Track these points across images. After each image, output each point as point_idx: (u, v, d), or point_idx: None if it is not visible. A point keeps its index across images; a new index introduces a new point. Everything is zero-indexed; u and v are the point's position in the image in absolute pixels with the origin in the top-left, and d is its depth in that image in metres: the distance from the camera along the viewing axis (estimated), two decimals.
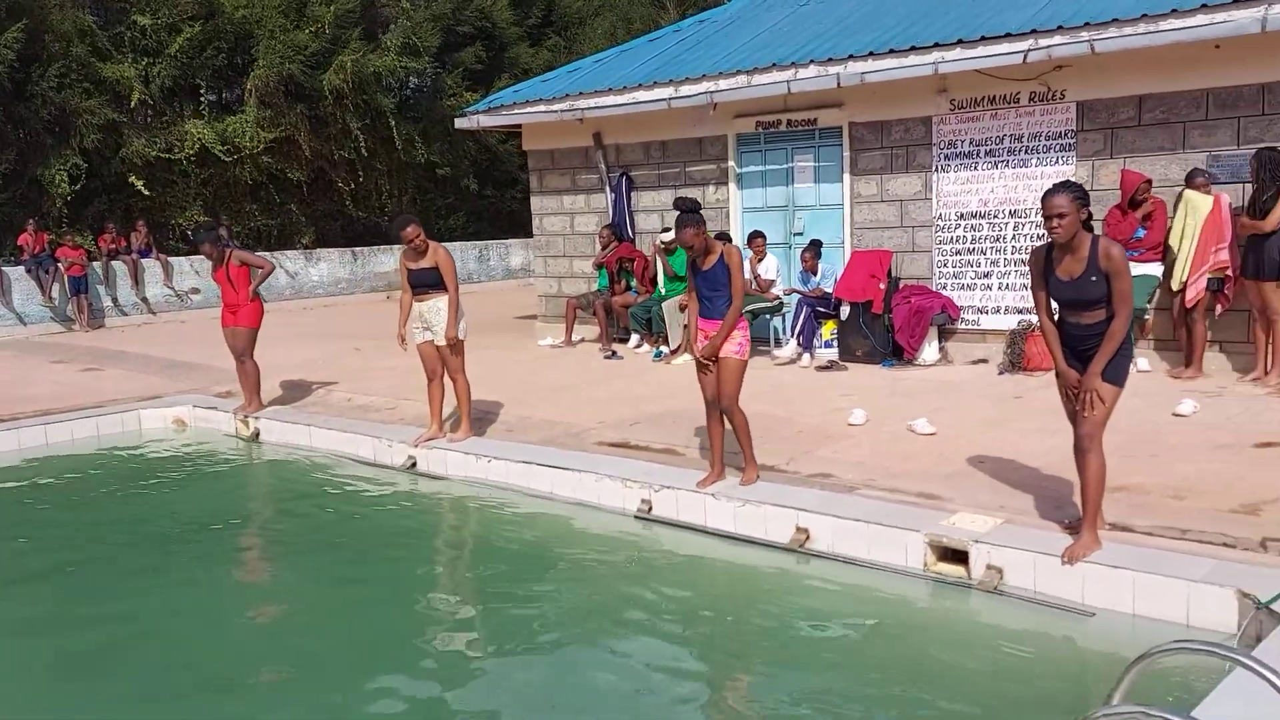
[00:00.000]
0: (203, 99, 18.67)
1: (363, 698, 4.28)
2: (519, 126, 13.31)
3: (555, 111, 12.05)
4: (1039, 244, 4.92)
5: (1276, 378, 7.88)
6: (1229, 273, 8.22)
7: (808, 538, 5.46)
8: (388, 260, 20.59)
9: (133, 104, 17.47)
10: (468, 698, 4.32)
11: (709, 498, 5.90)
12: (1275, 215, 7.70)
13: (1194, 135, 8.57)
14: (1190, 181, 8.28)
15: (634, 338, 11.59)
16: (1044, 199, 4.55)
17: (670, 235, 11.27)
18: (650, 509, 6.17)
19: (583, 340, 12.28)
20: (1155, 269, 8.60)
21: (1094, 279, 4.49)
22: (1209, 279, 8.22)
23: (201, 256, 17.50)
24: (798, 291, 10.35)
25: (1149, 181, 8.56)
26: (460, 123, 13.41)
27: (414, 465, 7.54)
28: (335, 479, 7.64)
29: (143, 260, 16.73)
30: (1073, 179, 8.77)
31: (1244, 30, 7.68)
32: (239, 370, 9.01)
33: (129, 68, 17.39)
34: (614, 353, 11.22)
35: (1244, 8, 7.71)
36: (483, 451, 7.24)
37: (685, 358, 10.53)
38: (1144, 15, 8.18)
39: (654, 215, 12.08)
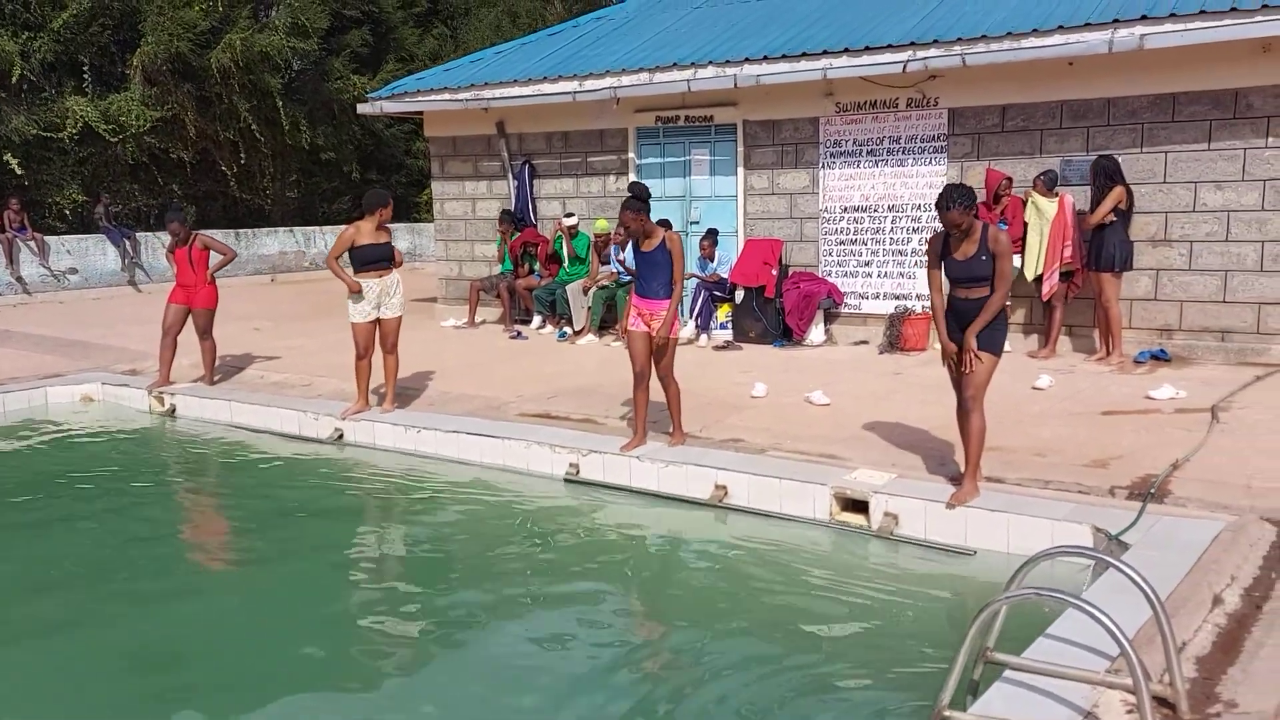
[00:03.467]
0: (86, 76, 18.03)
1: (287, 665, 4.49)
2: (416, 113, 13.56)
3: (460, 100, 12.34)
4: (938, 230, 5.62)
5: (1116, 357, 8.96)
6: (1075, 266, 9.28)
7: (726, 494, 6.08)
8: (271, 243, 20.30)
9: (13, 80, 16.75)
10: (404, 664, 4.57)
11: (634, 460, 6.45)
12: (1100, 211, 8.76)
13: (1050, 142, 9.59)
14: (1035, 184, 9.29)
15: (537, 319, 12.02)
16: (941, 212, 5.21)
17: (574, 220, 11.80)
18: (578, 472, 6.68)
19: (485, 322, 12.64)
20: (1016, 260, 9.59)
21: (984, 258, 5.25)
22: (1059, 272, 9.27)
23: (78, 237, 17.03)
24: (696, 276, 10.99)
25: (1009, 180, 9.53)
26: (362, 108, 13.55)
27: (341, 437, 7.82)
28: (261, 453, 7.84)
29: (18, 239, 16.11)
30: (945, 178, 9.73)
31: (1094, 50, 8.69)
32: (202, 348, 9.21)
33: (9, 42, 16.65)
34: (519, 333, 11.63)
35: (1094, 30, 8.71)
36: (411, 422, 7.59)
37: (590, 338, 11.08)
38: (1009, 33, 9.13)
39: (555, 202, 12.53)
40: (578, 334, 11.24)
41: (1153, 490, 5.31)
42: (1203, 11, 8.30)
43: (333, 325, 9.28)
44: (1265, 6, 8.05)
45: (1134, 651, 3.03)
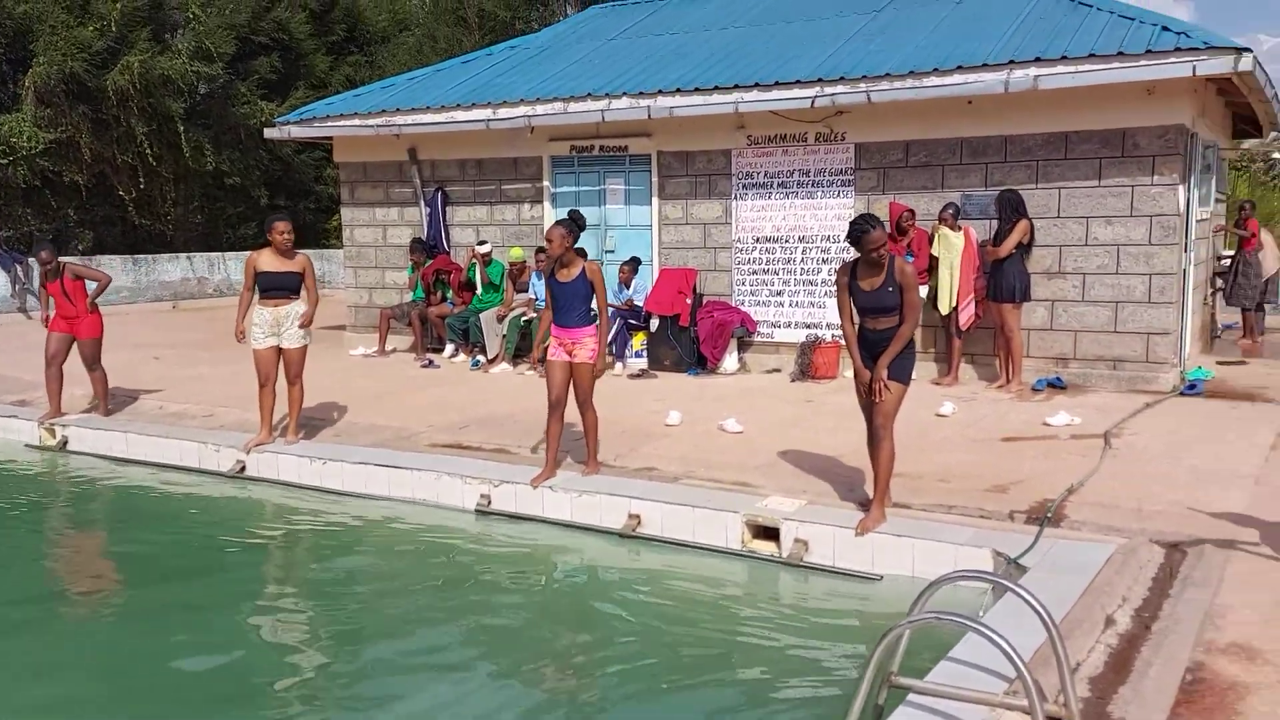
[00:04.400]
0: None
1: (187, 690, 4.37)
2: (326, 139, 13.38)
3: (371, 126, 12.22)
4: (846, 261, 5.73)
5: (1015, 385, 9.26)
6: (979, 296, 9.58)
7: (639, 523, 6.08)
8: (173, 269, 19.73)
9: None
10: (310, 695, 4.49)
11: (547, 490, 6.41)
12: (1007, 244, 9.09)
13: (951, 177, 9.92)
14: (941, 217, 9.59)
15: (449, 347, 11.89)
16: (862, 235, 5.31)
17: (487, 247, 11.75)
18: (490, 503, 6.61)
19: (395, 350, 12.46)
20: (923, 291, 9.85)
21: (890, 289, 5.37)
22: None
23: None
24: (611, 305, 11.02)
25: (911, 211, 9.82)
26: (270, 133, 13.31)
27: (243, 470, 7.60)
28: (157, 487, 7.56)
29: None
30: (853, 211, 9.97)
31: (990, 90, 9.03)
32: (91, 379, 8.87)
33: None
34: (430, 361, 11.49)
35: (991, 71, 9.06)
36: (317, 454, 7.42)
37: (504, 366, 11.01)
38: (911, 72, 9.43)
39: (469, 229, 12.45)
40: (491, 362, 11.16)
41: (1049, 515, 5.49)
42: (1092, 55, 8.70)
43: (237, 353, 9.03)
44: (1149, 52, 8.48)
45: (1029, 673, 3.11)
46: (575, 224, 6.49)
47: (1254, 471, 6.34)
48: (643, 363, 10.74)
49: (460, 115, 11.70)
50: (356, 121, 12.40)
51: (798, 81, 9.98)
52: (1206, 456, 6.73)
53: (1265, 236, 12.41)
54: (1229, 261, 12.43)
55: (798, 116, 10.26)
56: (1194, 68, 8.31)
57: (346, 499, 7.07)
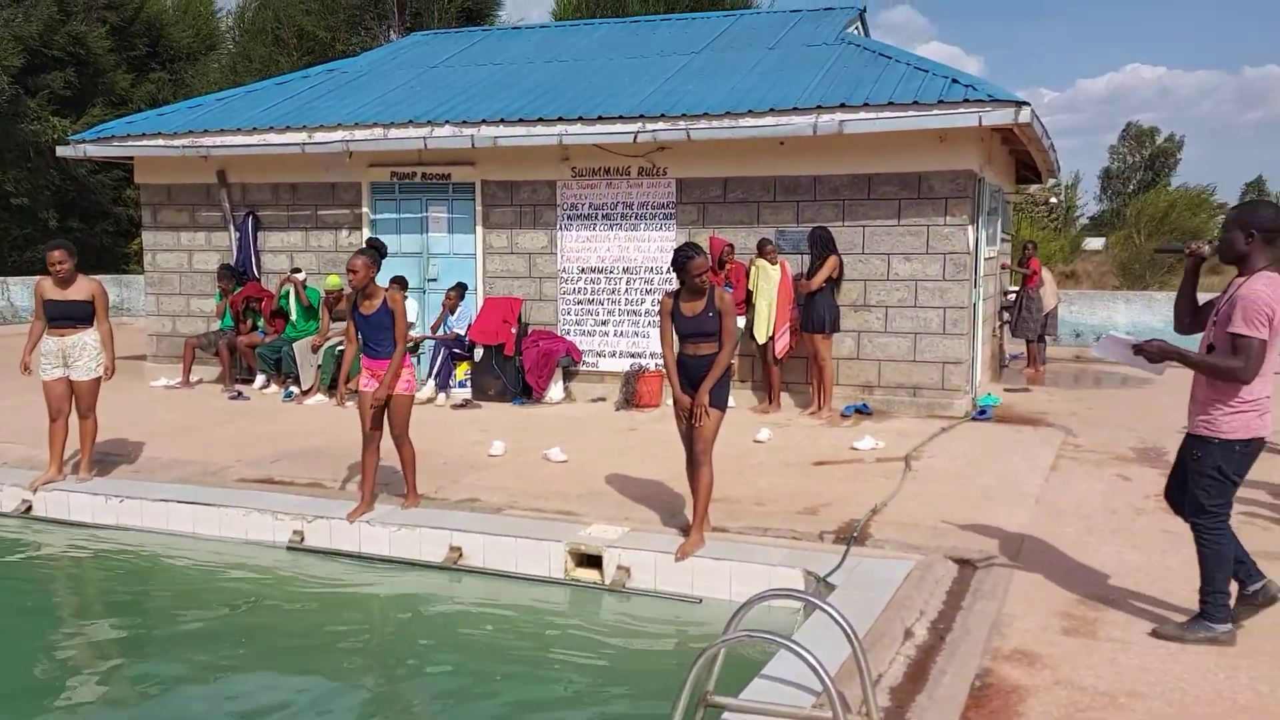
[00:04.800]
0: None
1: None
2: (126, 159, 12.64)
3: (177, 147, 11.63)
4: (669, 290, 5.89)
5: (827, 411, 9.72)
6: (793, 326, 10.02)
7: (461, 555, 5.99)
8: None
9: None
10: None
11: (364, 524, 6.23)
12: (818, 278, 9.57)
13: (766, 213, 10.36)
14: (761, 251, 9.99)
15: (260, 378, 11.39)
16: (686, 261, 5.49)
17: (302, 275, 11.37)
18: (303, 539, 6.36)
19: (201, 381, 11.83)
20: (741, 321, 10.21)
21: (711, 315, 5.56)
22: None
23: None
24: (431, 337, 10.86)
25: (731, 246, 10.18)
26: (63, 151, 12.46)
27: (29, 510, 7.02)
28: None
29: None
30: (674, 243, 10.23)
31: (800, 132, 9.52)
32: None
33: None
34: (239, 393, 10.97)
35: (801, 115, 9.55)
36: (113, 491, 6.94)
37: (319, 398, 10.63)
38: (728, 112, 9.82)
39: (282, 255, 12.01)
40: (306, 394, 10.77)
41: (855, 535, 5.78)
42: (891, 103, 9.31)
43: (24, 385, 8.36)
44: (941, 102, 9.15)
45: (834, 686, 3.27)
46: (378, 252, 6.39)
47: (1036, 491, 6.88)
48: (466, 393, 10.62)
49: (274, 138, 11.30)
50: (161, 142, 11.77)
51: (621, 117, 10.20)
52: (995, 477, 7.25)
53: (1046, 274, 13.54)
54: (1014, 297, 13.48)
55: (621, 150, 10.48)
56: (980, 118, 9.02)
57: (147, 538, 6.64)
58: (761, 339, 9.96)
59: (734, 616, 3.75)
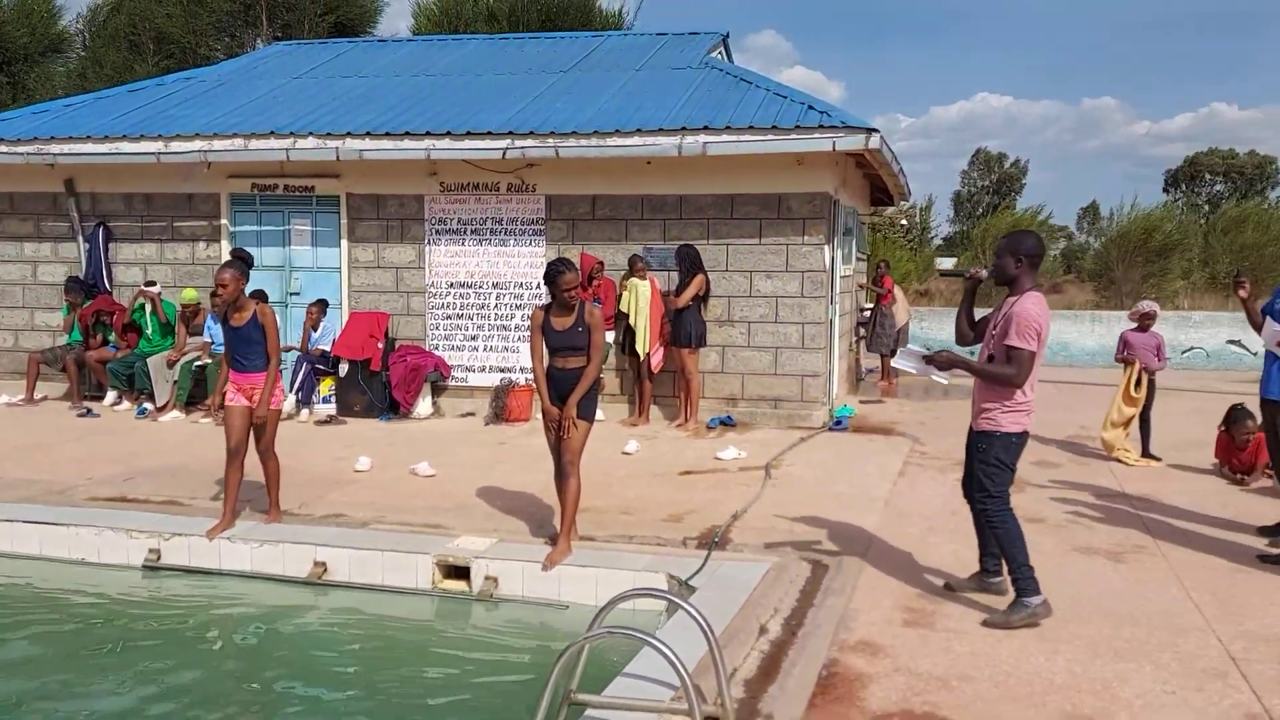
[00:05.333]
0: None
1: None
2: None
3: (20, 154, 11.09)
4: (539, 304, 6.01)
5: (693, 423, 10.00)
6: (663, 341, 10.27)
7: (326, 570, 5.95)
8: None
9: None
10: None
11: (225, 541, 6.11)
12: (686, 295, 9.87)
13: (634, 230, 10.60)
14: (632, 268, 10.23)
15: (111, 394, 10.94)
16: (557, 276, 5.64)
17: (157, 288, 10.99)
18: (159, 558, 6.19)
19: (46, 398, 11.29)
20: (610, 336, 10.40)
21: (580, 329, 5.72)
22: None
23: None
24: (293, 349, 10.66)
25: (601, 263, 10.38)
26: None
27: None
28: None
29: None
30: (544, 259, 10.36)
31: (666, 153, 9.80)
32: None
33: None
34: (89, 410, 10.52)
35: (667, 136, 9.84)
36: None
37: (175, 414, 10.30)
38: (596, 131, 10.03)
39: (136, 268, 11.59)
40: (161, 410, 10.40)
41: (716, 540, 6.02)
42: (751, 127, 9.69)
43: None
44: (798, 127, 9.59)
45: (689, 678, 3.45)
46: (245, 263, 6.33)
47: (885, 495, 7.29)
48: (331, 408, 10.47)
49: (127, 147, 10.91)
50: (3, 148, 11.19)
51: (489, 133, 10.28)
52: (848, 483, 7.64)
53: (898, 292, 14.25)
54: (869, 313, 14.15)
55: (490, 166, 10.56)
56: (834, 143, 9.49)
57: None
58: (642, 354, 10.17)
59: (597, 616, 3.90)
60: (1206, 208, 41.37)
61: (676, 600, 3.90)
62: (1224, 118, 74.99)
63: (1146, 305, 8.83)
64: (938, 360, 4.90)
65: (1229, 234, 25.71)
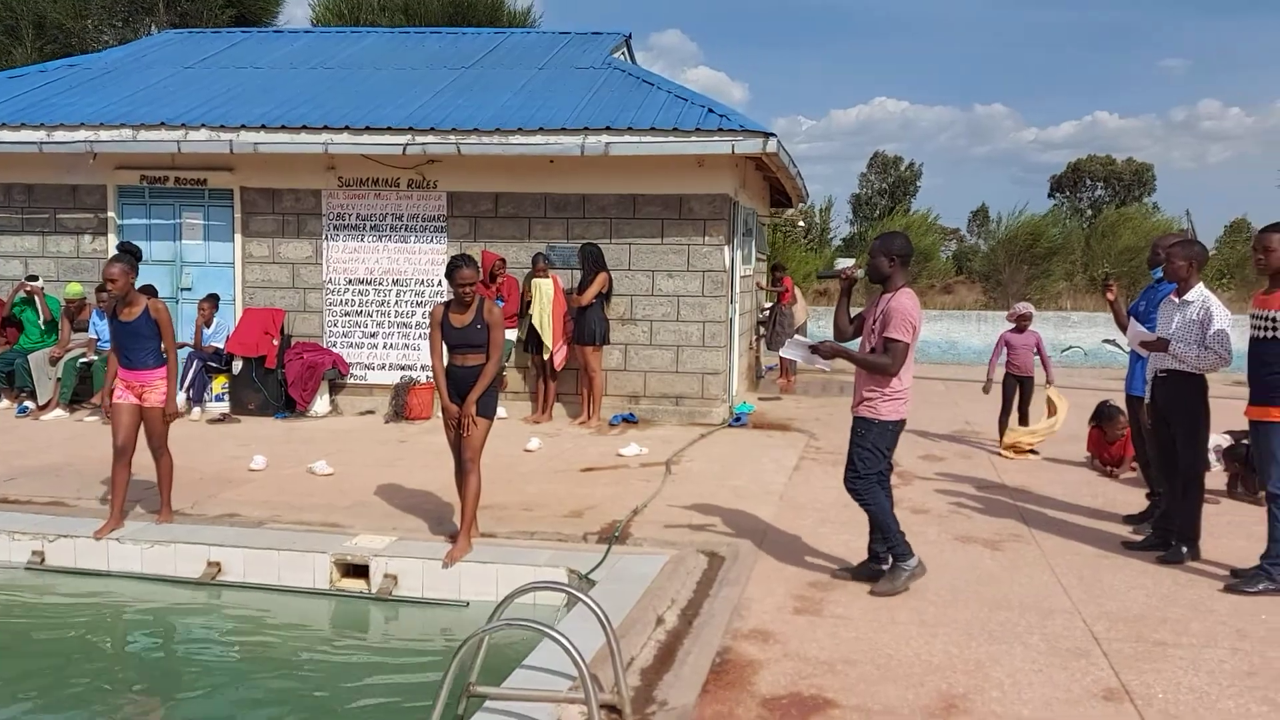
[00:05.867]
0: None
1: None
2: None
3: None
4: (440, 301, 6.03)
5: (595, 421, 10.11)
6: (567, 339, 10.34)
7: (220, 570, 5.86)
8: None
9: None
10: None
11: (114, 542, 5.96)
12: (589, 293, 9.96)
13: (537, 229, 10.65)
14: (535, 266, 10.27)
15: None
16: (455, 271, 5.68)
17: (40, 282, 10.59)
18: (43, 560, 6.01)
19: None
20: (512, 334, 10.43)
21: (479, 327, 5.75)
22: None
23: None
24: (187, 345, 10.38)
25: (503, 260, 10.40)
26: None
27: None
28: None
29: None
30: (445, 256, 10.33)
31: (569, 152, 9.88)
32: None
33: None
34: None
35: (569, 135, 9.91)
36: None
37: (58, 412, 9.93)
38: (498, 129, 10.04)
39: (15, 261, 11.13)
40: (43, 409, 10.02)
41: (616, 534, 6.13)
42: (653, 128, 9.84)
43: None
44: (698, 130, 9.77)
45: (586, 668, 3.55)
46: (134, 257, 6.18)
47: (780, 489, 7.51)
48: (224, 406, 10.22)
49: (7, 135, 10.48)
50: None
51: (389, 128, 10.19)
52: (746, 478, 7.84)
53: (797, 292, 14.61)
54: (769, 312, 14.47)
55: (390, 162, 10.46)
56: (733, 146, 9.71)
57: None
58: (548, 353, 10.21)
59: (496, 610, 3.96)
60: (1089, 212, 43.36)
61: (573, 592, 3.99)
62: (1105, 126, 78.68)
63: (1022, 307, 9.29)
64: (822, 350, 5.20)
65: (1108, 238, 27.02)
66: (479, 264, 6.06)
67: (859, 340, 5.33)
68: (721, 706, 3.82)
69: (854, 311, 5.50)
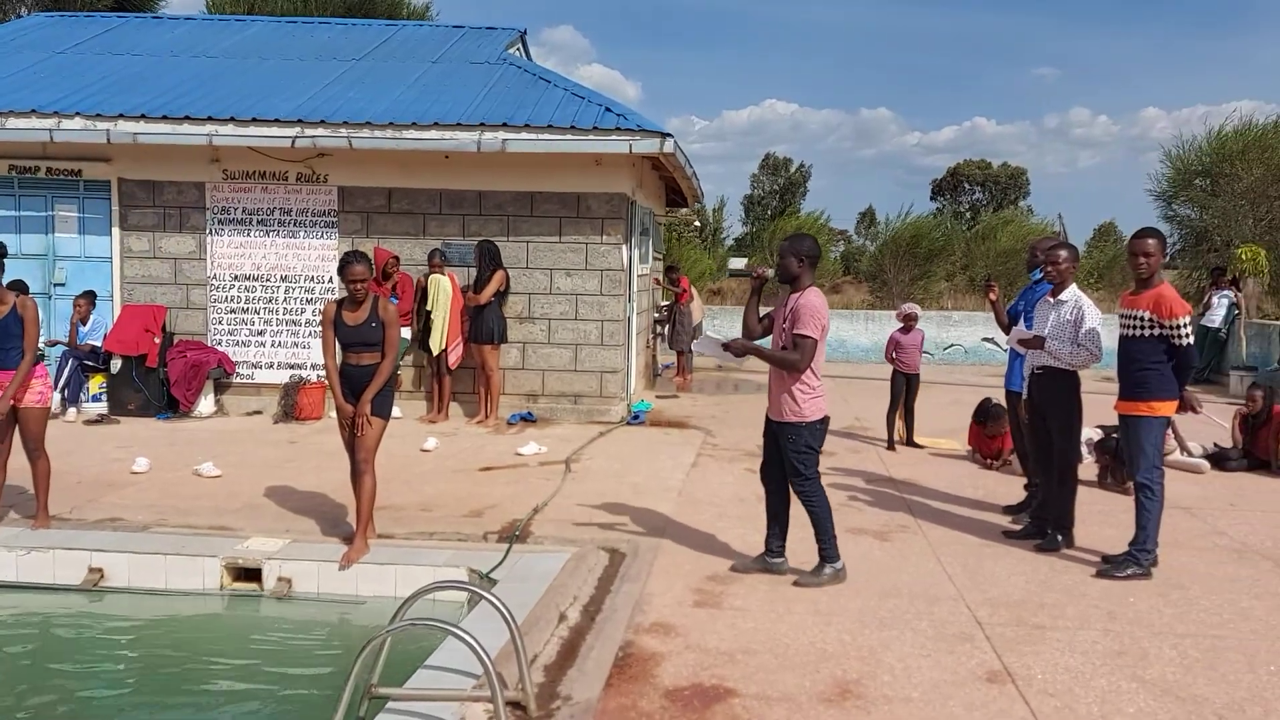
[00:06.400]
0: None
1: None
2: None
3: None
4: (331, 299, 5.92)
5: (493, 420, 10.05)
6: (463, 337, 10.25)
7: (103, 576, 5.63)
8: None
9: None
10: None
11: None
12: (487, 292, 9.90)
13: (432, 225, 10.51)
14: (430, 263, 10.14)
15: None
16: (347, 267, 5.62)
17: None
18: None
19: None
20: (406, 332, 10.27)
21: (374, 325, 5.67)
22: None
23: None
24: (60, 343, 9.91)
25: (397, 258, 10.24)
26: None
27: None
28: None
29: None
30: (337, 252, 10.12)
31: (464, 148, 9.79)
32: None
33: None
34: None
35: (465, 131, 9.82)
36: None
37: None
38: (392, 123, 9.88)
39: None
40: None
41: (517, 533, 6.12)
42: (551, 126, 9.83)
43: None
44: (596, 129, 9.81)
45: (492, 665, 3.55)
46: None
47: (679, 485, 7.62)
48: (102, 407, 9.79)
49: None
50: None
51: (277, 120, 9.93)
52: (644, 475, 7.92)
53: (694, 291, 14.80)
54: (667, 311, 14.62)
55: (278, 155, 10.19)
56: (630, 146, 9.78)
57: None
58: (436, 349, 10.09)
59: (398, 610, 3.93)
60: (969, 215, 45.08)
61: (478, 590, 3.99)
62: (984, 131, 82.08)
63: (909, 308, 9.64)
64: (733, 348, 5.31)
65: (987, 240, 28.16)
66: (372, 261, 5.96)
67: (769, 338, 5.45)
68: (625, 699, 3.87)
69: (763, 311, 5.60)
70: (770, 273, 5.57)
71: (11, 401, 5.82)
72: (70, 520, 6.21)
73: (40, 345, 7.40)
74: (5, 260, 6.02)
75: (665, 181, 14.05)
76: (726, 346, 5.37)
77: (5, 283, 5.90)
